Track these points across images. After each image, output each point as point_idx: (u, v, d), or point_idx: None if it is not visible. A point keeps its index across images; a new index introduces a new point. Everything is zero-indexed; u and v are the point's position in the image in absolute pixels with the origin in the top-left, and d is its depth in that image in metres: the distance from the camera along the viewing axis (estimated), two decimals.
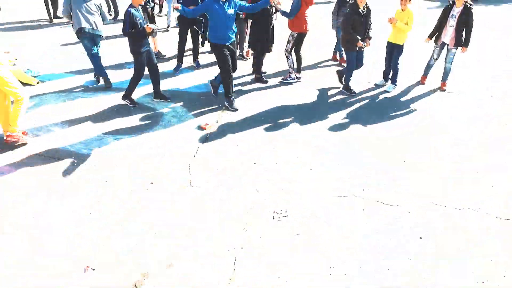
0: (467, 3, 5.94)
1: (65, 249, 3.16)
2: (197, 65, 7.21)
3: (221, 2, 5.05)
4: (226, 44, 5.33)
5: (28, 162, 4.27)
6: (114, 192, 3.83)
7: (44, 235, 3.29)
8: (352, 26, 5.84)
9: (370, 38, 6.09)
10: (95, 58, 6.06)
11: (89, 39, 6.01)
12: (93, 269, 2.99)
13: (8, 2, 11.22)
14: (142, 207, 3.65)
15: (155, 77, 5.68)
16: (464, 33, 6.07)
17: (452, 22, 6.09)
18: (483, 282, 2.99)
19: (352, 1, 5.85)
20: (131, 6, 5.14)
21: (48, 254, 3.11)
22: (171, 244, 3.25)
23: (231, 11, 5.14)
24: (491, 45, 9.01)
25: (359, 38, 5.86)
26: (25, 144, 4.58)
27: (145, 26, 5.12)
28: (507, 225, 3.57)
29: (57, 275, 2.93)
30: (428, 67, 6.66)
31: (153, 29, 5.17)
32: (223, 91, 5.59)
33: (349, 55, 6.12)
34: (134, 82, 5.51)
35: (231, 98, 5.59)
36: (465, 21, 5.97)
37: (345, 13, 6.06)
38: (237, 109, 5.57)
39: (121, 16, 8.52)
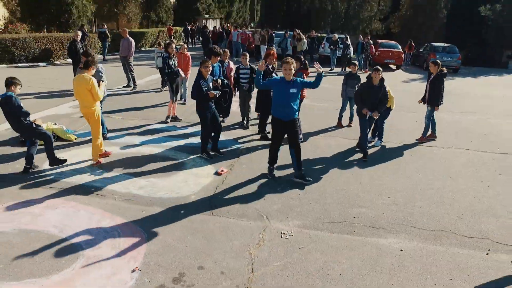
0: (440, 72, 7.30)
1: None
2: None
3: (286, 81, 5.42)
4: (284, 121, 5.52)
5: (78, 198, 5.17)
6: (152, 217, 4.70)
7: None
8: (362, 96, 6.69)
9: (378, 112, 6.67)
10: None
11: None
12: (140, 270, 3.75)
13: (49, 74, 12.83)
14: (178, 227, 4.49)
15: (216, 133, 6.71)
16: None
17: (428, 86, 7.50)
18: None
19: (368, 76, 6.71)
20: (201, 77, 6.31)
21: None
22: (205, 249, 4.05)
23: (293, 90, 5.43)
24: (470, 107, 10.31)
25: (365, 107, 6.53)
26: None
27: (208, 92, 6.27)
28: None
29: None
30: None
31: (215, 95, 6.32)
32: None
33: (361, 121, 6.81)
34: (204, 138, 6.51)
35: (271, 167, 5.97)
36: (436, 85, 7.32)
37: (360, 84, 6.89)
38: (274, 177, 5.89)
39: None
